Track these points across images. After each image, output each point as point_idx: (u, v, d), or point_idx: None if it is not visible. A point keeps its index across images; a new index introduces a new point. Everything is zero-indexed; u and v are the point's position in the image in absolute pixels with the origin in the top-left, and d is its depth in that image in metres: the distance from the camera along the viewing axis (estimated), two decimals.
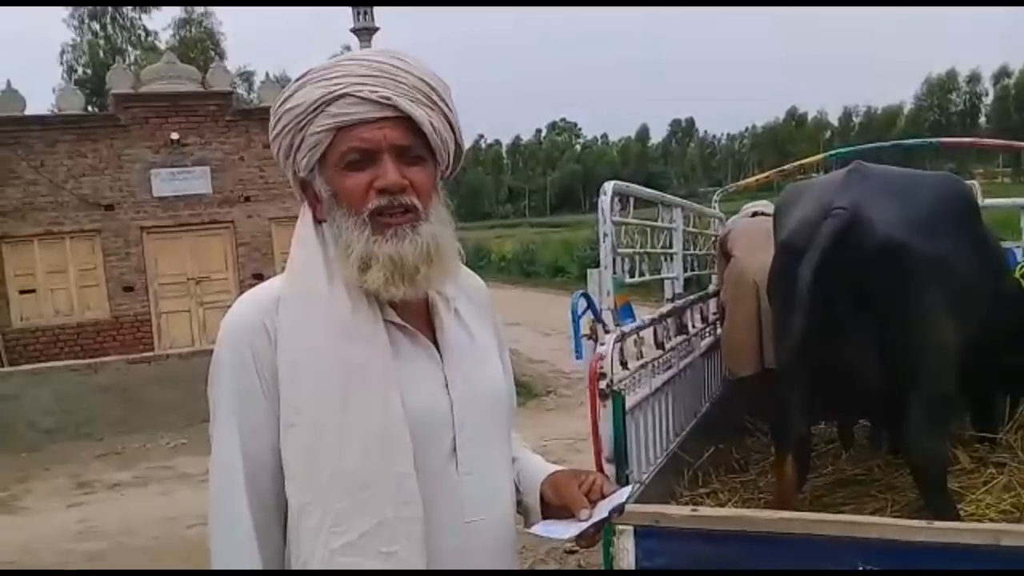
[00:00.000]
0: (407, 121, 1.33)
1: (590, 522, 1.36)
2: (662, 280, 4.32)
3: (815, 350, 3.05)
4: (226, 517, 1.33)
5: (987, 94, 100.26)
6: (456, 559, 1.37)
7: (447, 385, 1.39)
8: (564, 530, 1.37)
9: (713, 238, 5.20)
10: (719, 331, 5.08)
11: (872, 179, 3.23)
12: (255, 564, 1.32)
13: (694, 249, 4.87)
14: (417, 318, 1.41)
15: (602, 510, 1.37)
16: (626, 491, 1.42)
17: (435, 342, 1.42)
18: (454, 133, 1.40)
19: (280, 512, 1.34)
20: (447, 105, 1.38)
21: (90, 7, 38.92)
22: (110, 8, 39.00)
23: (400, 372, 1.34)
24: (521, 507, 1.54)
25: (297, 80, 1.39)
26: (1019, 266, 3.89)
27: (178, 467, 8.50)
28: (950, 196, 3.33)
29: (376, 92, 1.31)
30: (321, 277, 1.35)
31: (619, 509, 1.37)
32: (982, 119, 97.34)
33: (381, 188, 1.32)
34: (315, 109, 1.33)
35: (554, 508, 1.46)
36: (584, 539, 1.38)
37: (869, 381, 3.17)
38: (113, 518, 7.03)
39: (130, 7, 39.30)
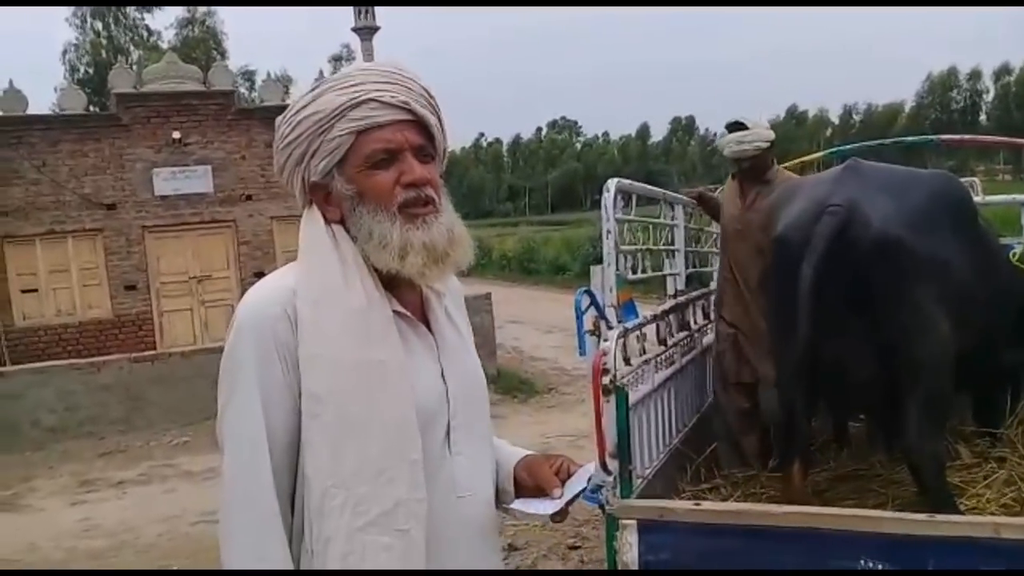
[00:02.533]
0: (418, 124, 1.47)
1: (564, 499, 1.54)
2: (664, 277, 4.34)
3: (815, 349, 3.06)
4: (250, 492, 1.39)
5: (988, 91, 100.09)
6: (452, 531, 1.49)
7: (443, 374, 1.52)
8: (543, 506, 1.55)
9: (715, 235, 5.22)
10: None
11: (867, 176, 3.24)
12: (280, 540, 1.39)
13: (696, 246, 4.89)
14: (414, 311, 1.53)
15: (572, 488, 1.56)
16: (590, 466, 1.62)
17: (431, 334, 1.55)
18: (444, 133, 1.54)
19: (289, 488, 1.42)
20: (440, 111, 1.53)
21: (93, 7, 38.88)
22: (113, 7, 38.96)
23: (409, 361, 1.45)
24: (495, 490, 1.66)
25: (311, 91, 1.49)
26: (1013, 253, 3.89)
27: (181, 465, 8.52)
28: (945, 193, 3.35)
29: (396, 97, 1.45)
30: (336, 273, 1.44)
31: (591, 485, 1.58)
32: (983, 117, 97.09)
33: (409, 182, 1.44)
34: (338, 114, 1.43)
35: (528, 489, 1.61)
36: (560, 516, 1.55)
37: (866, 379, 3.19)
38: (116, 516, 7.06)
39: (133, 7, 39.27)
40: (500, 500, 1.65)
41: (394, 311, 1.47)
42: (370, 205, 1.45)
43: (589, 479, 1.57)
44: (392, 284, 1.47)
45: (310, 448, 1.40)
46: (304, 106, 1.47)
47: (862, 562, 2.36)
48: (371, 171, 1.44)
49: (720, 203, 4.60)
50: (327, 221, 1.48)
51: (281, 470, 1.41)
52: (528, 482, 1.62)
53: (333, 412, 1.39)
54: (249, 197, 13.28)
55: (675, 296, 4.31)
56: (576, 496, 1.55)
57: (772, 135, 4.37)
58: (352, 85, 1.45)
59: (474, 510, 1.55)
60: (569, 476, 1.58)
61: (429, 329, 1.54)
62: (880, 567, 2.35)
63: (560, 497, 1.54)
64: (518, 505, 1.60)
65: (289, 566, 1.40)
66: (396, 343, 1.44)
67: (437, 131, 1.50)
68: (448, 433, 1.51)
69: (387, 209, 1.44)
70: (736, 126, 4.38)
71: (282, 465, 1.41)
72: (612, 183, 3.27)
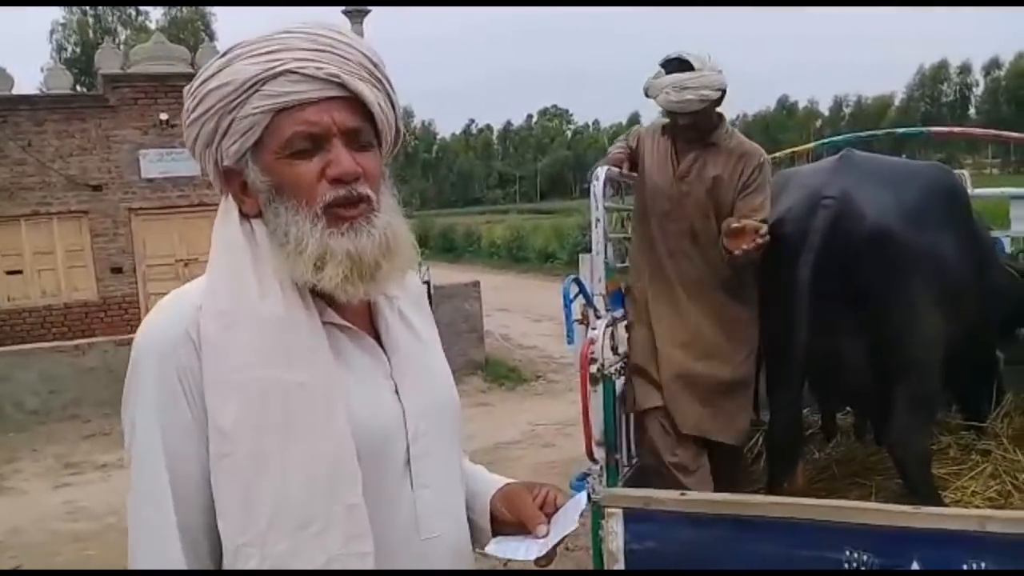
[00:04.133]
0: (354, 102, 1.19)
1: (550, 539, 1.26)
2: None
3: (809, 344, 3.05)
4: (156, 562, 1.16)
5: (977, 85, 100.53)
6: None
7: (397, 391, 1.27)
8: (525, 549, 1.27)
9: None
10: None
11: (862, 168, 3.23)
12: None
13: None
14: (359, 319, 1.27)
15: (559, 525, 1.28)
16: (582, 500, 1.32)
17: (380, 345, 1.29)
18: (395, 111, 1.26)
19: (212, 546, 1.18)
20: (388, 82, 1.25)
21: None
22: None
23: (346, 381, 1.20)
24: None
25: (222, 56, 1.22)
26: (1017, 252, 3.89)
27: None
28: (939, 186, 3.34)
29: (322, 69, 1.16)
30: (251, 282, 1.19)
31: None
32: (972, 110, 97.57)
33: (335, 177, 1.17)
34: (249, 88, 1.17)
35: (507, 525, 1.35)
36: (545, 559, 1.26)
37: (858, 371, 3.18)
38: (100, 499, 7.02)
39: None
40: (474, 539, 1.38)
41: (328, 323, 1.22)
42: (289, 201, 1.18)
43: (581, 514, 1.28)
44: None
45: (220, 498, 1.14)
46: (212, 75, 1.20)
47: (847, 552, 2.36)
48: (291, 160, 1.17)
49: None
50: (243, 216, 1.24)
51: (198, 528, 1.16)
52: (507, 517, 1.35)
53: (243, 450, 1.13)
54: None
55: None
56: (566, 535, 1.26)
57: (724, 82, 3.16)
58: (268, 52, 1.17)
59: (444, 551, 1.28)
60: (555, 510, 1.31)
61: (379, 341, 1.29)
62: (865, 558, 2.35)
63: (545, 536, 1.26)
64: (494, 548, 1.30)
65: None
66: (324, 360, 1.18)
67: (379, 110, 1.21)
68: (408, 462, 1.25)
69: (309, 207, 1.17)
70: (677, 64, 3.12)
71: (199, 523, 1.16)
72: (601, 171, 3.24)
